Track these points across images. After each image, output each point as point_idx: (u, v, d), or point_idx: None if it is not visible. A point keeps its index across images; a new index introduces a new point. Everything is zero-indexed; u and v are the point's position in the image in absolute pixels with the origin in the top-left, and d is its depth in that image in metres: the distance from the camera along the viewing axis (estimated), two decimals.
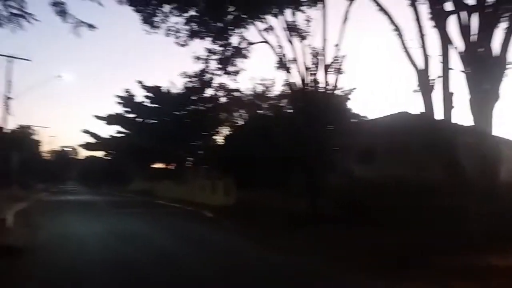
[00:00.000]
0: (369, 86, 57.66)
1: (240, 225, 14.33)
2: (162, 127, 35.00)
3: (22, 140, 45.07)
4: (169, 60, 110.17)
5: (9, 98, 24.60)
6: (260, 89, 31.36)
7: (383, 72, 68.57)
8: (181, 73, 23.64)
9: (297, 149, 17.73)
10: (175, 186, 33.65)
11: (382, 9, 12.01)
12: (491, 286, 6.04)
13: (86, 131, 46.03)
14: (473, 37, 10.11)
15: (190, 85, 25.46)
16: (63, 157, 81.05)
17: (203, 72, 19.46)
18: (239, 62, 18.57)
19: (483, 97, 9.82)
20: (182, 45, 17.81)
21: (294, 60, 15.90)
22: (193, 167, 37.84)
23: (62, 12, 11.28)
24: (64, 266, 7.57)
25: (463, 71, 10.46)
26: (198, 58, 18.45)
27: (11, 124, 48.55)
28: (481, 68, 9.85)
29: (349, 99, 27.20)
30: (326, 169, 17.25)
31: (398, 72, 54.90)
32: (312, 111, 15.53)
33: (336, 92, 19.38)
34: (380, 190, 15.96)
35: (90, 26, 11.53)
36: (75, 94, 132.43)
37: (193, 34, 17.48)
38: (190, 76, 22.49)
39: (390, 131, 19.10)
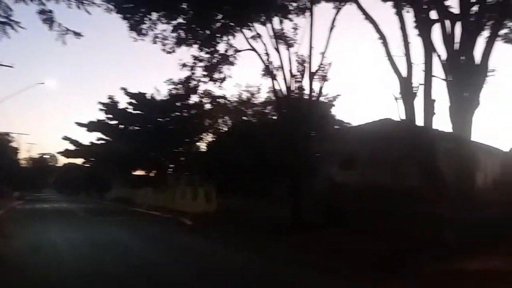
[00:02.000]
0: (354, 93, 58.62)
1: (220, 233, 14.18)
2: (144, 133, 34.64)
3: None
4: (154, 67, 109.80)
5: None
6: (245, 95, 31.53)
7: (367, 79, 70.06)
8: (167, 80, 23.56)
9: (281, 155, 17.81)
10: (155, 193, 33.24)
11: (368, 17, 12.27)
12: None
13: (66, 138, 45.24)
14: (456, 46, 10.42)
15: (175, 92, 25.35)
16: (41, 164, 79.14)
17: (188, 79, 19.39)
18: (226, 69, 18.58)
19: (463, 104, 10.08)
20: (169, 52, 17.75)
21: (280, 68, 16.03)
22: (175, 174, 37.52)
23: (48, 20, 11.20)
24: (35, 277, 7.42)
25: (445, 79, 10.76)
26: (184, 65, 18.42)
27: None
28: (463, 75, 10.13)
29: (333, 105, 27.54)
30: (310, 176, 17.37)
31: (382, 79, 55.96)
32: (297, 118, 15.66)
33: (320, 99, 19.63)
34: (363, 196, 16.24)
35: (77, 34, 11.48)
36: (57, 101, 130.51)
37: (180, 42, 17.43)
38: (175, 83, 22.40)
39: (373, 137, 19.45)
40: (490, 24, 10.93)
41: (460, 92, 10.16)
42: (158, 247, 11.62)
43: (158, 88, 35.60)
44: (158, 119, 35.01)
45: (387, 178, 18.78)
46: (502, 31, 13.11)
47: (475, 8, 10.64)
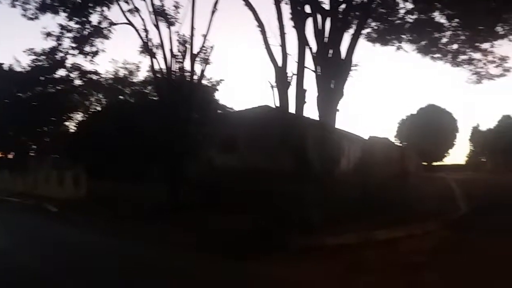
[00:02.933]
0: (236, 78, 59.85)
1: (89, 219, 13.24)
2: (0, 109, 30.07)
3: None
4: (14, 34, 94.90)
5: None
6: (122, 73, 29.55)
7: (249, 65, 72.00)
8: (27, 49, 20.63)
9: (159, 137, 17.27)
10: (15, 177, 29.33)
11: (248, 4, 12.46)
12: (326, 263, 6.86)
13: None
14: (326, 40, 11.30)
15: (38, 64, 22.40)
16: None
17: (54, 50, 17.35)
18: (99, 43, 17.13)
19: (329, 94, 11.03)
20: (31, 19, 15.61)
21: (160, 46, 15.35)
22: (39, 156, 33.60)
23: None
24: None
25: (314, 71, 11.60)
26: (49, 34, 16.40)
27: None
28: (330, 68, 11.07)
29: (217, 90, 27.63)
30: (190, 158, 17.25)
31: (262, 67, 58.16)
32: (177, 99, 15.31)
33: (203, 82, 19.49)
34: (241, 178, 16.77)
35: None
36: None
37: (44, 7, 15.44)
38: (38, 54, 19.82)
39: (252, 123, 20.20)
40: (356, 23, 12.10)
41: (327, 83, 11.08)
42: (14, 236, 10.31)
43: (18, 58, 31.10)
44: (18, 94, 30.69)
45: (264, 161, 19.71)
46: (365, 31, 14.73)
47: (343, 6, 11.63)
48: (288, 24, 11.89)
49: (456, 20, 15.04)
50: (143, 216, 12.71)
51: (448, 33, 15.98)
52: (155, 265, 7.07)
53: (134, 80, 29.59)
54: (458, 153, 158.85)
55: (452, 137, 69.97)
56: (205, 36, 15.43)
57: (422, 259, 6.80)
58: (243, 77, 79.65)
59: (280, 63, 11.64)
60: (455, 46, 16.65)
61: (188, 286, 5.98)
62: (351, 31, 11.81)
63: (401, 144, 50.72)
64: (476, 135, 75.51)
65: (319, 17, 11.48)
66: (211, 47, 16.47)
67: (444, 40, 16.41)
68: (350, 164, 25.71)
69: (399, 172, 31.32)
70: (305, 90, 12.03)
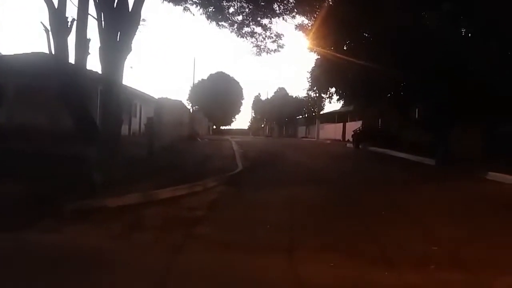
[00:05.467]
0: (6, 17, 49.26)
1: None
2: None
3: None
4: None
5: None
6: None
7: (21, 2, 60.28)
8: None
9: None
10: None
11: None
12: (104, 225, 6.50)
13: None
14: None
15: None
16: None
17: None
18: None
19: (114, 47, 10.16)
20: None
21: None
22: None
23: None
24: None
25: (97, 19, 10.47)
26: None
27: None
28: (115, 20, 10.14)
29: None
30: None
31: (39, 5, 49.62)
32: None
33: None
34: (8, 137, 14.35)
35: None
36: None
37: None
38: None
39: (24, 72, 17.24)
40: None
41: (112, 35, 10.17)
42: None
43: None
44: None
45: (39, 118, 17.30)
46: None
47: None
48: None
49: None
50: None
51: (236, 3, 17.09)
52: None
53: None
54: (243, 119, 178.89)
55: (238, 104, 77.70)
56: None
57: (199, 214, 7.24)
58: (14, 15, 66.54)
59: (56, 4, 10.02)
60: (240, 18, 18.00)
61: None
62: None
63: (192, 108, 52.96)
64: (257, 104, 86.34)
65: None
66: None
67: (231, 10, 17.49)
68: (139, 124, 25.22)
69: (188, 134, 32.81)
70: (88, 40, 10.81)
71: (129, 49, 10.45)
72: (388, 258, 4.96)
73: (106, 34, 10.15)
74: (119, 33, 10.18)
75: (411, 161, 18.07)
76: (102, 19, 10.26)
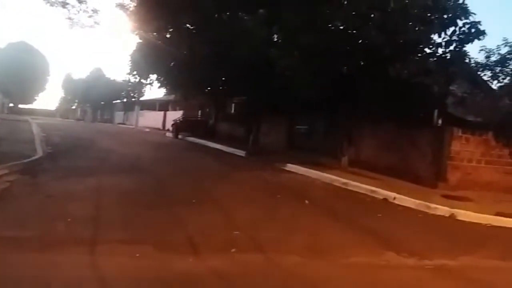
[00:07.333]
0: None
1: None
2: None
3: None
4: None
5: None
6: None
7: None
8: None
9: None
10: None
11: None
12: None
13: None
14: None
15: None
16: None
17: None
18: None
19: None
20: None
21: None
22: None
23: None
24: None
25: None
26: None
27: None
28: None
29: None
30: None
31: None
32: None
33: None
34: None
35: None
36: None
37: None
38: None
39: None
40: None
41: None
42: None
43: None
44: None
45: None
46: None
47: None
48: None
49: None
50: None
51: None
52: None
53: None
54: (49, 99, 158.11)
55: (43, 81, 68.11)
56: None
57: None
58: None
59: None
60: None
61: None
62: None
63: None
64: (69, 83, 77.05)
65: None
66: None
67: None
68: None
69: None
70: None
71: None
72: (194, 245, 5.10)
73: None
74: None
75: (225, 152, 19.21)
76: None
